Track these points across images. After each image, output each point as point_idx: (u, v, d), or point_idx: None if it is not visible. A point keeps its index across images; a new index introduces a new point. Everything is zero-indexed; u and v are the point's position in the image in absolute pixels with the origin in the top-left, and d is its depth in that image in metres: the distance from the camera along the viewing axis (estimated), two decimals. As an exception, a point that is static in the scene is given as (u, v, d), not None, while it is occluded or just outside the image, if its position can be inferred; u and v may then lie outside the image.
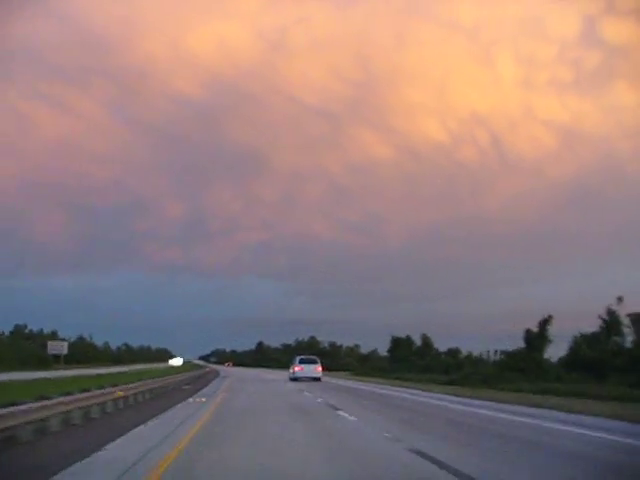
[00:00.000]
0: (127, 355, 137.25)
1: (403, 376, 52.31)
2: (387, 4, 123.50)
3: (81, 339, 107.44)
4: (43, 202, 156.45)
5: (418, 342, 76.24)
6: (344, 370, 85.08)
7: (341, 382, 45.34)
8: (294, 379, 41.98)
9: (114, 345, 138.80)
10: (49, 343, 77.70)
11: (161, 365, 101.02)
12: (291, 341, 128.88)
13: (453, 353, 71.55)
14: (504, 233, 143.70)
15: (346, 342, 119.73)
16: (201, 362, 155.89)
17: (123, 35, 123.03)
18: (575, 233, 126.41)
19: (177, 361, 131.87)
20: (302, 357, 45.80)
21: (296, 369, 42.98)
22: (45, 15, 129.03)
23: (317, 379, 41.52)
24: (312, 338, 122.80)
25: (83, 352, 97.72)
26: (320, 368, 42.97)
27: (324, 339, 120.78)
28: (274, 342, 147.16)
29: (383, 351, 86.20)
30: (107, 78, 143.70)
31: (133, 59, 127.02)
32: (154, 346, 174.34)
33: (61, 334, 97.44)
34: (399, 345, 76.83)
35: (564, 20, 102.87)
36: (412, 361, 66.55)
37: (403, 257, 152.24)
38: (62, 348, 75.83)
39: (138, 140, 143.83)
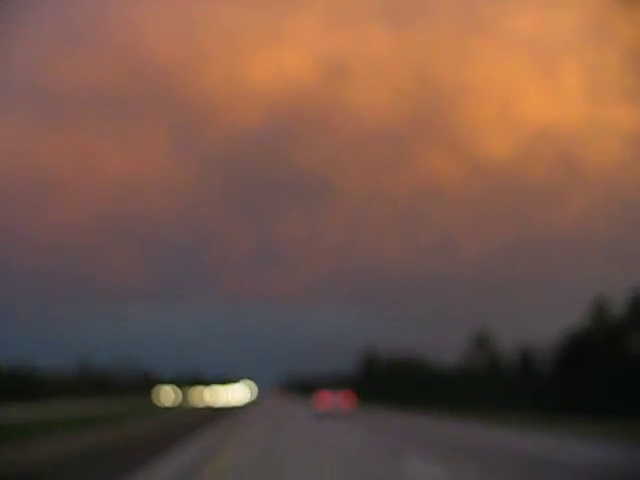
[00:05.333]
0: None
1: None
2: (445, 23, 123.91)
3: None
4: (111, 237, 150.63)
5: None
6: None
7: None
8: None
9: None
10: None
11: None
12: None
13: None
14: (577, 249, 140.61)
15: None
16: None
17: (185, 67, 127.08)
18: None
19: (240, 390, 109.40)
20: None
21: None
22: (109, 57, 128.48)
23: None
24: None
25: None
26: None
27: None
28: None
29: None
30: (172, 110, 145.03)
31: (194, 92, 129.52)
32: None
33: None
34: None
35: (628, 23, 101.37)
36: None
37: (474, 278, 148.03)
38: None
39: (203, 172, 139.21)
